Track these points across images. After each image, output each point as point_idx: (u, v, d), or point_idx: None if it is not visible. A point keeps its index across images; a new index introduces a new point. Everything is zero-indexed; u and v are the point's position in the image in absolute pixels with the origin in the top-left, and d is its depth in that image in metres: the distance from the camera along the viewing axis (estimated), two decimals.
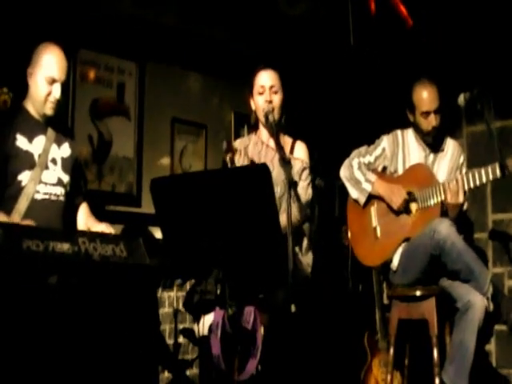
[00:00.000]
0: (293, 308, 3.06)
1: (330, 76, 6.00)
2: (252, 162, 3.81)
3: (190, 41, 5.43)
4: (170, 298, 5.06)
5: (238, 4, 5.57)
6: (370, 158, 4.26)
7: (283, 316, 3.30)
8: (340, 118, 6.04)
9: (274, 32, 5.74)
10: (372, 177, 4.19)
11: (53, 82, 3.56)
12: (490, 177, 3.77)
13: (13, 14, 4.41)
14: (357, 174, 4.23)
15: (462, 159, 4.21)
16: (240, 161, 3.82)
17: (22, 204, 3.50)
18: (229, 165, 3.50)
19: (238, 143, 3.98)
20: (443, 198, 3.89)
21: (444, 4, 5.02)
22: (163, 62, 5.41)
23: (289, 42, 5.74)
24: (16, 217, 3.47)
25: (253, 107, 3.90)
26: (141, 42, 5.20)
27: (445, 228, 3.72)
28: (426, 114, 4.08)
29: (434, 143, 4.17)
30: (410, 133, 4.25)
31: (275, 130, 3.67)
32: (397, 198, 4.05)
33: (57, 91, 3.58)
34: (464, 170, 4.14)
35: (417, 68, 4.56)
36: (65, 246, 2.87)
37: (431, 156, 4.18)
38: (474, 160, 4.71)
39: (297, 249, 3.72)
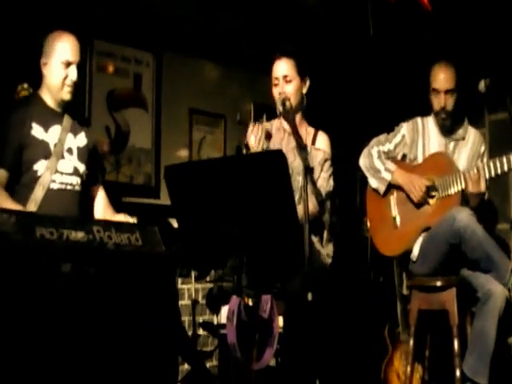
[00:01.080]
0: (309, 296, 3.01)
1: (349, 66, 5.95)
2: (267, 131, 3.74)
3: (207, 30, 5.41)
4: (190, 290, 5.04)
5: None
6: (389, 146, 4.23)
7: (300, 304, 3.26)
8: (360, 107, 5.99)
9: (293, 22, 5.70)
10: (392, 166, 4.14)
11: (68, 64, 3.57)
12: None
13: (28, 7, 4.41)
14: (376, 163, 4.19)
15: (482, 148, 4.16)
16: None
17: (38, 193, 3.50)
18: (244, 151, 3.48)
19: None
20: (463, 186, 3.84)
21: None
22: (180, 52, 5.40)
23: (307, 31, 5.70)
24: (32, 206, 3.48)
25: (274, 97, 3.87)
26: (158, 32, 5.19)
27: (465, 216, 3.67)
28: (437, 92, 4.06)
29: (450, 129, 4.13)
30: (430, 120, 4.21)
31: (291, 117, 3.64)
32: (417, 189, 4.01)
33: (73, 73, 3.58)
34: (485, 160, 4.08)
35: (437, 56, 4.48)
36: (79, 235, 2.84)
37: (451, 144, 4.14)
38: (496, 149, 4.63)
39: (316, 239, 3.69)
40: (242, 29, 5.58)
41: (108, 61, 5.02)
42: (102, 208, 3.81)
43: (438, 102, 4.07)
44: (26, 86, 3.75)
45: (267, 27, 5.61)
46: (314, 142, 3.85)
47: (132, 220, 3.58)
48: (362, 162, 4.26)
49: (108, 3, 4.84)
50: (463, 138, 4.15)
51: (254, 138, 3.58)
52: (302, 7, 5.68)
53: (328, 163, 3.82)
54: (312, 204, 3.36)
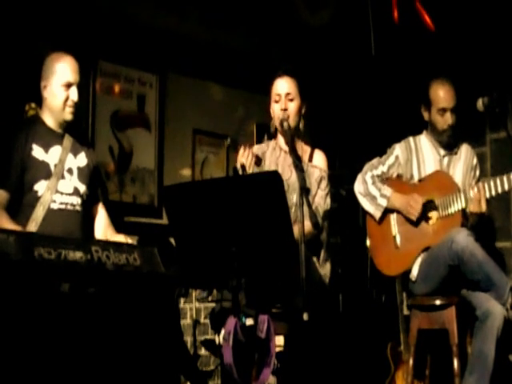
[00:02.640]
0: (305, 317, 3.02)
1: (351, 85, 5.98)
2: (257, 157, 3.78)
3: (211, 51, 5.45)
4: (192, 310, 5.05)
5: (261, 15, 5.59)
6: (382, 168, 4.22)
7: (297, 325, 3.27)
8: (362, 127, 6.00)
9: (296, 42, 5.74)
10: (387, 191, 4.13)
11: (69, 86, 3.62)
12: None
13: (34, 28, 4.47)
14: (371, 189, 4.17)
15: (475, 161, 4.18)
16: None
17: (39, 213, 3.54)
18: (240, 171, 3.50)
19: (255, 149, 3.96)
20: (464, 205, 3.85)
21: (463, 10, 5.00)
22: (184, 73, 5.42)
23: (310, 51, 5.74)
24: (32, 226, 3.51)
25: (272, 115, 3.90)
26: (161, 53, 5.22)
27: (463, 238, 3.68)
28: (443, 111, 4.06)
29: (448, 146, 4.16)
30: (422, 138, 4.23)
31: (290, 137, 3.66)
32: (413, 208, 4.01)
33: (74, 94, 3.63)
34: (478, 172, 4.15)
35: (436, 74, 4.51)
36: (77, 255, 2.85)
37: (446, 159, 4.16)
38: (498, 168, 4.64)
39: (315, 258, 3.69)
40: (246, 50, 5.63)
41: (112, 82, 5.06)
42: (102, 228, 3.82)
43: (445, 120, 4.06)
44: (33, 105, 3.79)
45: (271, 48, 5.66)
46: (310, 160, 3.87)
47: (131, 241, 3.60)
48: (357, 188, 4.25)
49: (112, 25, 4.89)
50: (456, 153, 4.17)
51: (244, 163, 3.63)
52: (304, 28, 5.73)
53: (325, 181, 3.83)
54: (306, 223, 3.37)
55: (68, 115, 3.65)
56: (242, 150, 3.68)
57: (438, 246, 3.83)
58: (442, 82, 4.11)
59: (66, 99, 3.62)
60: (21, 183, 3.54)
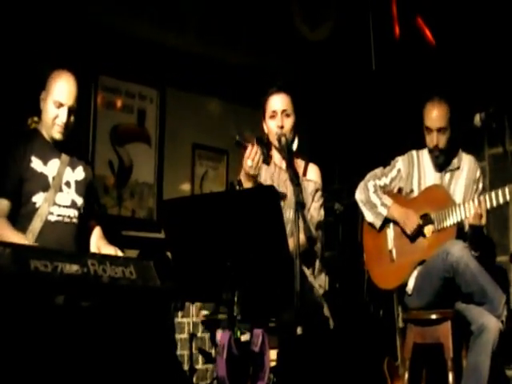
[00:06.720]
0: (299, 330, 3.03)
1: (351, 100, 6.01)
2: (264, 154, 3.70)
3: (211, 66, 5.50)
4: (190, 324, 5.06)
5: (260, 30, 5.63)
6: (385, 180, 4.25)
7: (291, 338, 3.27)
8: (361, 141, 6.02)
9: (296, 56, 5.78)
10: (388, 201, 4.17)
11: (60, 105, 3.63)
12: (508, 197, 3.74)
13: (35, 45, 4.52)
14: (372, 197, 4.22)
15: (478, 173, 4.15)
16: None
17: (36, 225, 3.57)
18: (237, 186, 3.51)
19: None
20: (459, 219, 3.86)
21: (463, 26, 5.03)
22: (184, 88, 5.46)
23: (310, 66, 5.78)
24: (30, 237, 3.54)
25: (265, 130, 3.90)
26: (161, 68, 5.26)
27: (458, 250, 3.69)
28: (429, 130, 4.07)
29: (448, 163, 4.15)
30: (425, 153, 4.23)
31: (287, 153, 3.67)
32: (410, 223, 4.04)
33: (63, 115, 3.63)
34: (480, 185, 4.12)
35: (435, 90, 4.52)
36: (73, 268, 2.87)
37: (447, 175, 4.14)
38: (497, 183, 4.63)
39: (309, 272, 3.70)
40: (246, 65, 5.66)
41: (112, 96, 5.10)
42: (95, 239, 3.85)
43: (431, 140, 4.08)
44: (36, 118, 3.82)
45: (270, 63, 5.69)
46: (304, 174, 3.87)
47: (121, 253, 3.61)
48: (358, 196, 4.29)
49: (113, 40, 4.93)
50: (458, 168, 4.15)
51: (251, 163, 3.56)
52: (304, 42, 5.77)
53: (319, 193, 3.83)
54: (301, 236, 3.38)
55: (56, 134, 3.66)
56: (249, 149, 3.55)
57: (433, 258, 3.84)
58: (433, 102, 4.10)
59: (56, 117, 3.64)
60: (19, 194, 3.58)
